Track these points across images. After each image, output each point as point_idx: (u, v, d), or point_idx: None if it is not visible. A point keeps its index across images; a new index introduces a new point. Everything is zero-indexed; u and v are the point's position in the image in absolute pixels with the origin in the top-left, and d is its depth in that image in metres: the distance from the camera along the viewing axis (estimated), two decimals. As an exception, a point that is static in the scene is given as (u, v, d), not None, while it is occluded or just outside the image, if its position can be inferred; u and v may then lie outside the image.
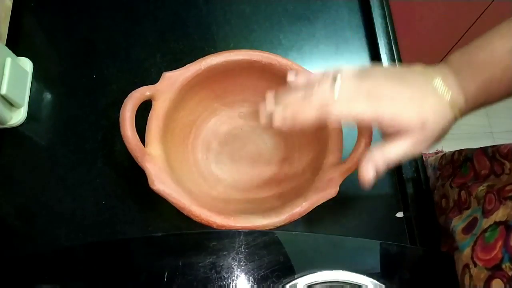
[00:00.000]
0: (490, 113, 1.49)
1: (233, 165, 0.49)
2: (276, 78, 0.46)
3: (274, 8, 0.58)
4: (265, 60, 0.45)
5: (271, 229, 0.39)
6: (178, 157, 0.45)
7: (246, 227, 0.38)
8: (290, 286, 0.33)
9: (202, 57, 0.45)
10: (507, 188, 0.35)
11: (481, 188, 0.39)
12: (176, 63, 0.50)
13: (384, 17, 0.55)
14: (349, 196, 0.43)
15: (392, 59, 0.53)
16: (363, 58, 0.56)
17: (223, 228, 0.38)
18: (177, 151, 0.46)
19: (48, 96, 0.53)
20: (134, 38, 0.56)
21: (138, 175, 0.40)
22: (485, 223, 0.35)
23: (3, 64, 0.48)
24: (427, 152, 0.65)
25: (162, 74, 0.44)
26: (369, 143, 0.40)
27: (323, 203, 0.40)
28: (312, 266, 0.34)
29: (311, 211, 0.39)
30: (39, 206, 0.47)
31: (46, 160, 0.49)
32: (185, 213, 0.39)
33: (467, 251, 0.35)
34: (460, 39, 1.18)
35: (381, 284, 0.34)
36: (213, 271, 0.33)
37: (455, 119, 0.33)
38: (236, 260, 0.34)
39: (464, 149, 0.46)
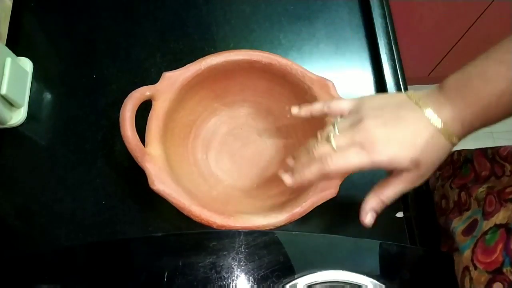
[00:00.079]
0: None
1: (233, 165, 0.49)
2: (276, 78, 0.46)
3: (274, 8, 0.58)
4: (265, 60, 0.45)
5: (271, 229, 0.39)
6: (178, 157, 0.45)
7: (246, 227, 0.38)
8: (290, 286, 0.33)
9: (202, 57, 0.45)
10: (508, 190, 0.35)
11: (481, 189, 0.39)
12: (176, 63, 0.50)
13: (384, 17, 0.55)
14: (349, 196, 0.43)
15: (392, 59, 0.53)
16: (363, 58, 0.56)
17: (223, 228, 0.38)
18: (177, 151, 0.46)
19: (48, 96, 0.53)
20: (134, 38, 0.56)
21: (138, 175, 0.40)
22: (486, 225, 0.35)
23: (3, 64, 0.48)
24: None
25: (162, 74, 0.44)
26: None
27: (323, 203, 0.40)
28: (312, 266, 0.34)
29: (311, 211, 0.40)
30: (39, 206, 0.47)
31: (46, 160, 0.49)
32: (185, 213, 0.39)
33: (467, 253, 0.35)
34: (460, 39, 1.17)
35: (381, 284, 0.34)
36: (213, 271, 0.33)
37: (452, 144, 0.34)
38: (236, 260, 0.34)
39: (463, 149, 0.46)
